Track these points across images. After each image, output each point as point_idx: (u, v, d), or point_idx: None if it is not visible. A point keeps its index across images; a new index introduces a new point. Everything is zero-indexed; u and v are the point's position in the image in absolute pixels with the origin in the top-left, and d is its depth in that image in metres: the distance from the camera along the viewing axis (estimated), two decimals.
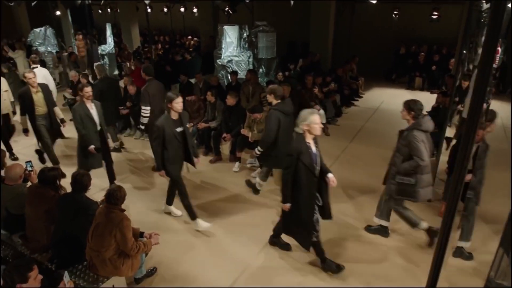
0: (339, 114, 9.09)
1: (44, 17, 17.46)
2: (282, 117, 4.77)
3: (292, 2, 5.00)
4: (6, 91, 6.55)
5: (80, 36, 12.70)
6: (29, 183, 4.07)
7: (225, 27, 9.89)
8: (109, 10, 19.67)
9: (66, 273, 2.95)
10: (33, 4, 8.06)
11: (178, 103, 4.39)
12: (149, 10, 18.30)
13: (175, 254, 4.31)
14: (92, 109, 5.20)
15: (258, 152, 5.13)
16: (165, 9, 18.12)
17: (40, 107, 5.88)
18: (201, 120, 7.00)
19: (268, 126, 4.83)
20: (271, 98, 4.86)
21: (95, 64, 9.62)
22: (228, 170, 6.34)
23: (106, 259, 3.29)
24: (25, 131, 6.00)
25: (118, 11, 15.41)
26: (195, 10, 16.78)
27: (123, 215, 3.34)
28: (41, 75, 7.32)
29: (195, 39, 16.02)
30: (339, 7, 12.52)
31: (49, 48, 13.44)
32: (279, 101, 4.83)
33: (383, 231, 4.59)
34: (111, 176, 5.63)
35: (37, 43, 13.54)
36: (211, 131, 6.81)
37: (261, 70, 10.74)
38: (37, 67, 7.67)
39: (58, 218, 3.59)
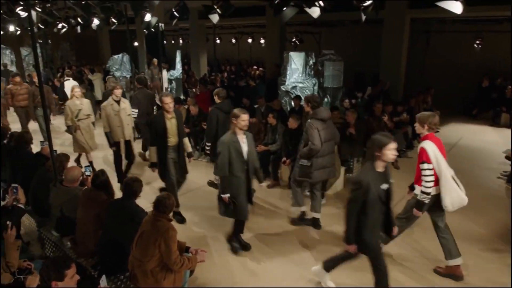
0: (410, 146, 8.44)
1: (123, 45, 19.22)
2: (220, 114, 5.64)
3: (363, 17, 4.76)
4: (129, 115, 6.13)
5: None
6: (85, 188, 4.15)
7: (291, 53, 9.90)
8: (181, 40, 21.09)
9: (103, 276, 2.82)
10: (112, 27, 8.70)
11: (391, 150, 3.15)
12: (218, 41, 19.33)
13: (222, 277, 4.03)
14: (244, 142, 4.14)
15: (207, 147, 5.94)
16: (234, 40, 18.96)
17: (172, 137, 4.96)
18: (261, 143, 6.86)
19: (208, 122, 5.77)
20: (216, 99, 5.81)
21: (108, 77, 10.41)
22: (286, 196, 6.02)
23: (148, 270, 3.12)
24: (154, 165, 5.06)
25: (190, 42, 16.37)
26: (262, 41, 17.30)
27: (170, 224, 3.18)
28: (71, 86, 8.62)
29: (260, 69, 16.35)
30: (413, 37, 12.03)
31: (124, 73, 14.56)
32: (220, 101, 5.76)
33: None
34: (238, 229, 4.50)
35: (114, 68, 14.74)
36: (270, 155, 6.62)
37: (326, 99, 10.48)
38: (69, 79, 9.31)
39: (105, 223, 3.55)
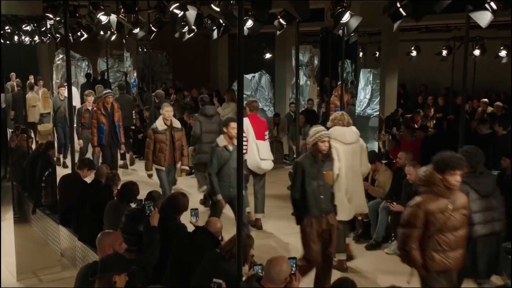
0: None
1: (250, 58, 20.04)
2: (202, 119, 10.14)
3: None
4: None
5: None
6: None
7: None
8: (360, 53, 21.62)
9: None
10: (279, 32, 9.54)
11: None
12: (413, 53, 19.55)
13: None
14: None
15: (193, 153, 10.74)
16: (444, 52, 18.83)
17: None
18: None
19: (193, 128, 10.38)
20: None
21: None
22: None
23: None
24: None
25: (377, 54, 16.89)
26: (502, 53, 16.65)
27: None
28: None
29: (498, 103, 15.97)
30: None
31: (260, 104, 15.41)
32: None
33: None
34: None
35: (245, 94, 15.82)
36: None
37: None
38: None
39: None
